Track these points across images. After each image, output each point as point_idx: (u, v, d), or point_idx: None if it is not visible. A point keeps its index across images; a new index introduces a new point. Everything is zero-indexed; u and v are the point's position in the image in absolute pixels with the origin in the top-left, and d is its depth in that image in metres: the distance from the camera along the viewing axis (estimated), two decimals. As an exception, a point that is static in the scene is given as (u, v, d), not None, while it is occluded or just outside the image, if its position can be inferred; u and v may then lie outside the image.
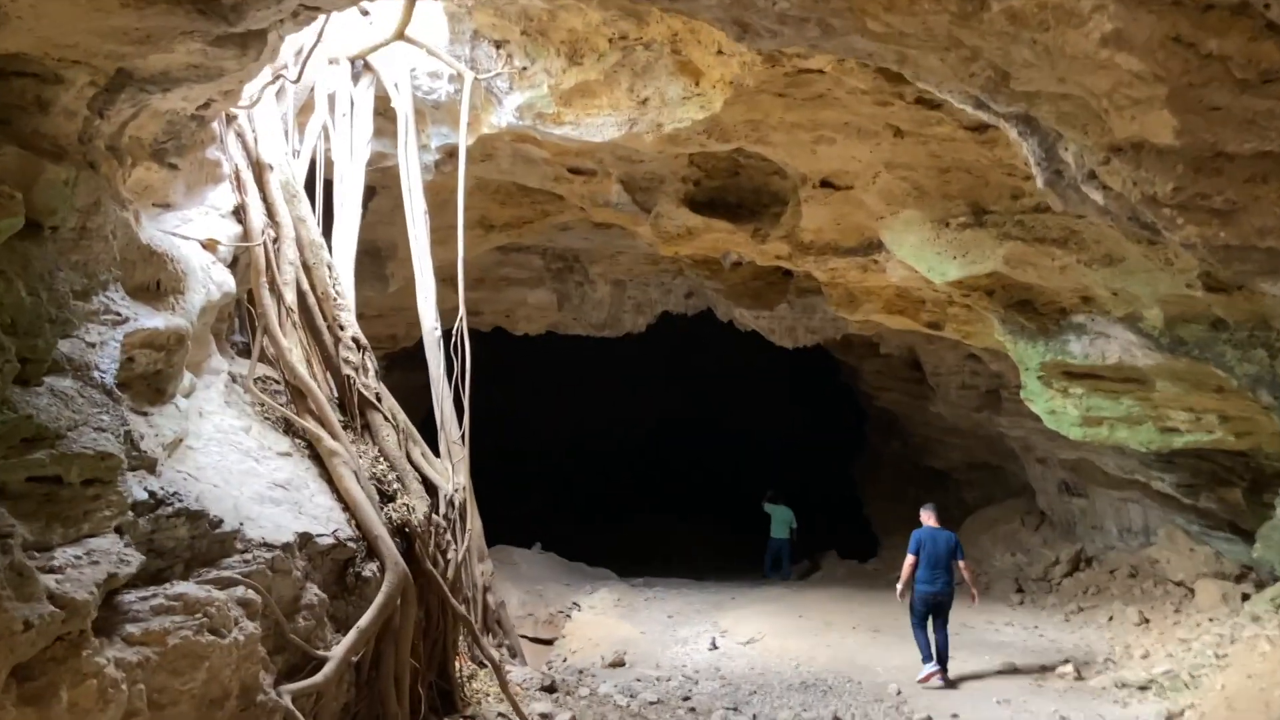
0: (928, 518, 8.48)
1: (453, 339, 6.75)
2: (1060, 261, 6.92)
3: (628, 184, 8.24)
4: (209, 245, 4.67)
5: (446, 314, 11.76)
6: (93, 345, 3.61)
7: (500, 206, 9.06)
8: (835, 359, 16.09)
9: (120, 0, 3.05)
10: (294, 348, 5.04)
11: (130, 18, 3.15)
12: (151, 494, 3.48)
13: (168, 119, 4.80)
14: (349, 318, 5.62)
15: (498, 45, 6.71)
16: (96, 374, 3.52)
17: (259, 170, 5.36)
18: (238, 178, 5.14)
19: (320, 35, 5.41)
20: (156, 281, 4.21)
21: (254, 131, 5.43)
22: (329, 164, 6.87)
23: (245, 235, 4.97)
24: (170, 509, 3.51)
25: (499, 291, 11.54)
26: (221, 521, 3.71)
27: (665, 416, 18.80)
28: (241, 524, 3.83)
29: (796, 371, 18.19)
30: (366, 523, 4.62)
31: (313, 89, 6.75)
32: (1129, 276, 6.39)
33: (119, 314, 3.84)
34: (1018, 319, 7.93)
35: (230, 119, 5.34)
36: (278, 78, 5.48)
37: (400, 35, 6.38)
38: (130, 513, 3.28)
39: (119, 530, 3.20)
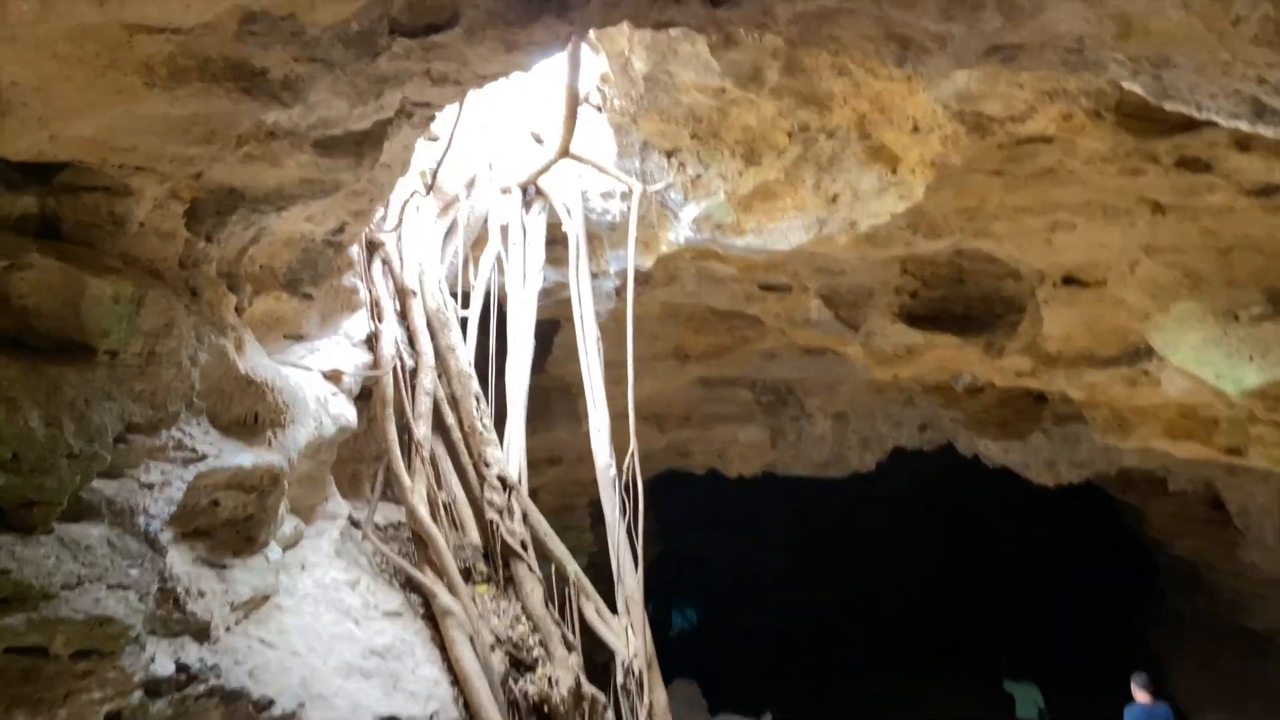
0: (1140, 693, 6.55)
1: (624, 478, 5.96)
2: None
3: (829, 299, 7.29)
4: (333, 376, 4.25)
5: (650, 456, 11.16)
6: (149, 486, 3.13)
7: (695, 334, 8.37)
8: (1111, 498, 13.78)
9: (144, 81, 2.63)
10: (419, 487, 4.45)
11: (161, 103, 2.74)
12: (183, 667, 2.86)
13: (302, 247, 4.51)
14: (496, 454, 4.99)
15: (668, 155, 6.14)
16: (141, 520, 3.00)
17: (402, 297, 4.97)
18: (376, 305, 4.76)
19: (450, 143, 5.05)
20: (254, 414, 3.76)
21: (400, 257, 5.09)
22: (504, 296, 6.50)
23: (375, 364, 4.52)
24: (203, 686, 2.87)
25: (707, 429, 10.74)
26: (272, 703, 3.04)
27: (906, 565, 16.87)
28: (302, 705, 3.13)
29: (1062, 514, 15.81)
30: (477, 702, 3.80)
31: (485, 219, 6.47)
32: None
33: (194, 451, 3.36)
34: (1354, 438, 6.08)
35: (376, 245, 5.03)
36: (413, 195, 5.15)
37: (564, 153, 5.97)
38: (138, 693, 2.66)
39: (114, 717, 2.58)
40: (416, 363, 4.79)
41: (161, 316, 3.28)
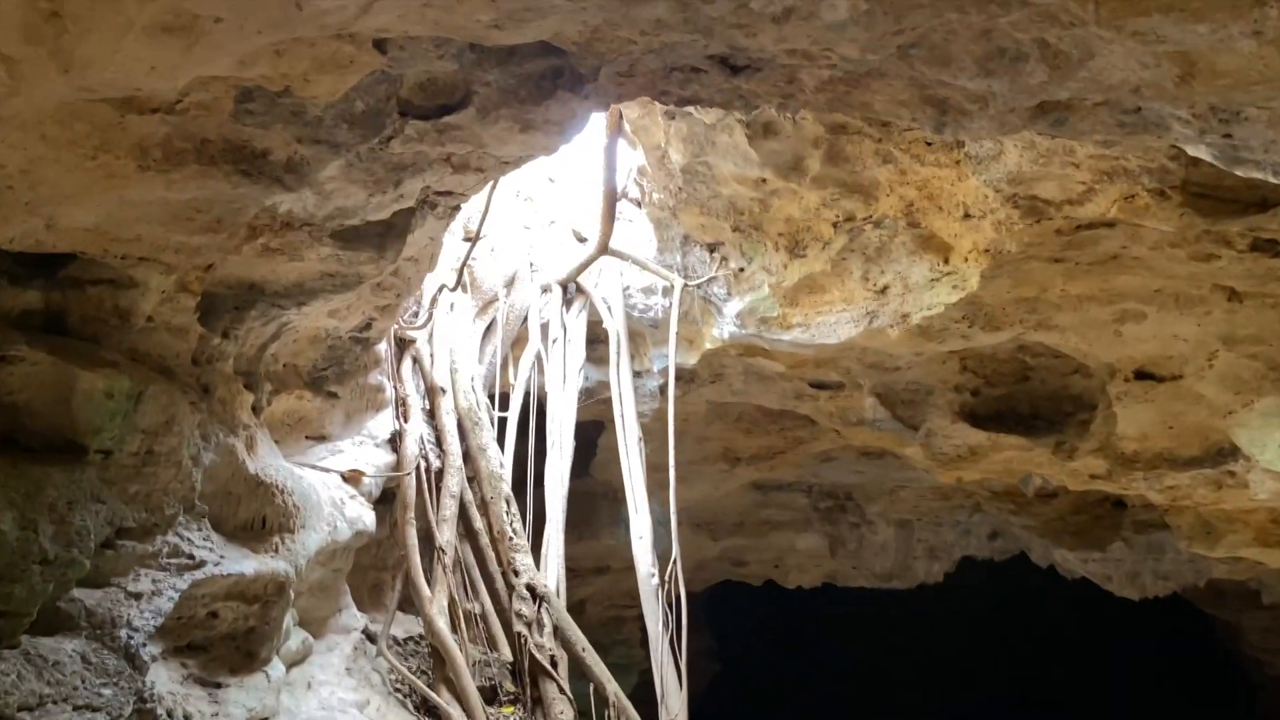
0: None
1: (667, 587, 5.59)
2: None
3: (885, 397, 6.95)
4: (351, 478, 4.04)
5: (703, 565, 10.68)
6: (136, 596, 2.91)
7: (745, 435, 8.05)
8: (1201, 612, 12.81)
9: (137, 164, 2.53)
10: (439, 597, 4.16)
11: (158, 187, 2.63)
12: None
13: (328, 344, 4.38)
14: (526, 561, 4.69)
15: (711, 249, 5.97)
16: (123, 633, 2.77)
17: (431, 395, 4.80)
18: (403, 403, 4.59)
19: (478, 235, 4.94)
20: (261, 518, 3.56)
21: (431, 355, 4.93)
22: (544, 396, 6.31)
23: (398, 465, 4.31)
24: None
25: (762, 537, 10.27)
26: (254, 842, 2.73)
27: (977, 684, 15.78)
28: None
29: (1147, 629, 14.73)
30: (490, 841, 3.43)
31: (525, 318, 6.34)
32: None
33: (190, 557, 3.15)
34: None
35: (407, 343, 4.89)
36: (442, 289, 5.02)
37: (604, 249, 5.85)
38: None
39: None
40: (443, 463, 4.57)
41: (161, 413, 3.11)
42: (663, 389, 6.97)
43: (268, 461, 3.68)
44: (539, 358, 6.25)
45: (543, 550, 5.70)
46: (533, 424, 6.11)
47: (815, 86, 2.61)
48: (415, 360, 4.81)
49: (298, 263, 3.56)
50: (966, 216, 4.86)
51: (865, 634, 14.82)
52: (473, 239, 4.94)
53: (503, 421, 6.09)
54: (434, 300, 4.99)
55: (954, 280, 5.24)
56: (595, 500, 8.21)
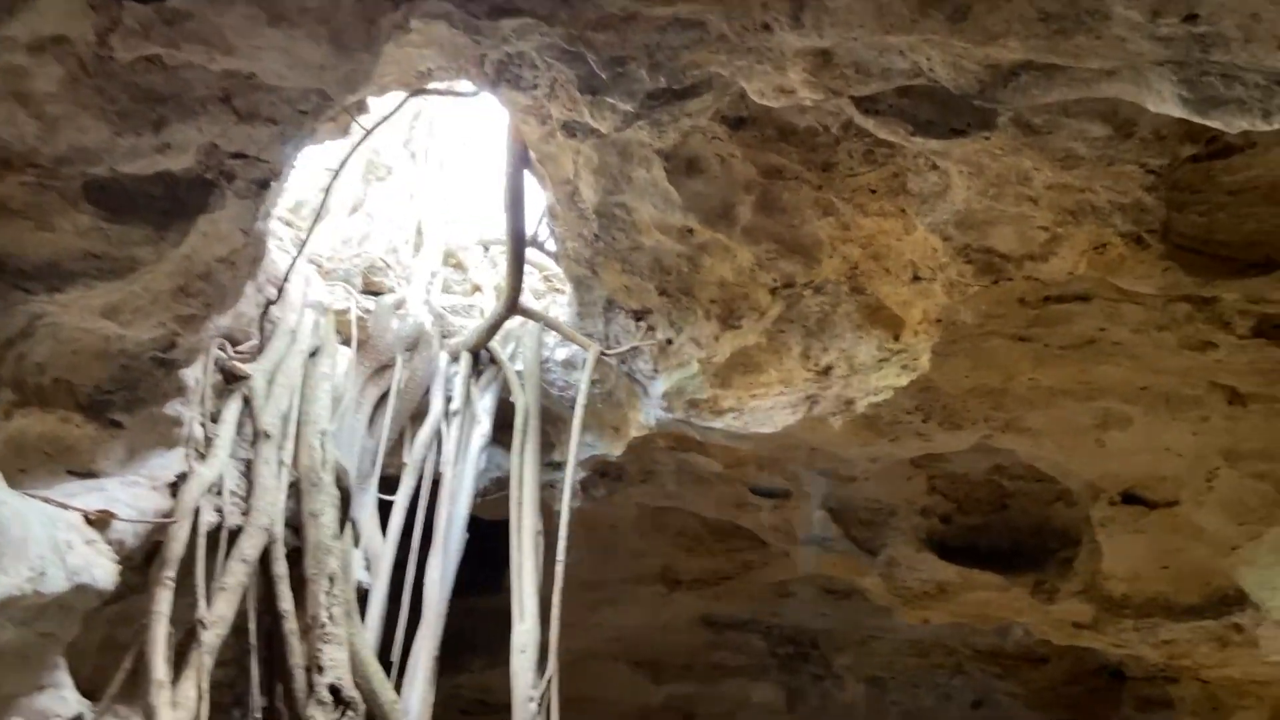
0: None
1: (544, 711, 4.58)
2: None
3: (838, 513, 6.06)
4: (97, 519, 3.17)
5: (646, 714, 9.44)
6: None
7: (687, 554, 7.08)
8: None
9: None
10: (183, 686, 3.18)
11: None
12: None
13: (120, 363, 3.60)
14: (336, 658, 3.75)
15: (637, 316, 5.25)
16: None
17: (256, 442, 4.00)
18: (207, 443, 3.77)
19: (312, 228, 4.23)
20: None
21: (267, 395, 4.16)
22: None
23: (171, 512, 3.44)
24: None
25: (713, 684, 9.08)
26: None
27: None
28: None
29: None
30: None
31: (428, 391, 5.59)
32: None
33: None
34: None
35: (237, 379, 4.12)
36: (268, 307, 4.28)
37: (513, 308, 5.16)
38: None
39: None
40: (244, 523, 3.71)
41: None
42: (587, 485, 6.13)
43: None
44: (439, 436, 5.47)
45: (407, 673, 4.77)
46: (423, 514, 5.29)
47: None
48: (246, 400, 4.04)
49: (49, 233, 2.88)
50: (915, 279, 4.16)
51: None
52: (305, 239, 4.23)
53: (387, 508, 5.27)
54: (262, 323, 4.24)
55: (903, 359, 4.49)
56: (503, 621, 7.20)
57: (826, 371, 4.76)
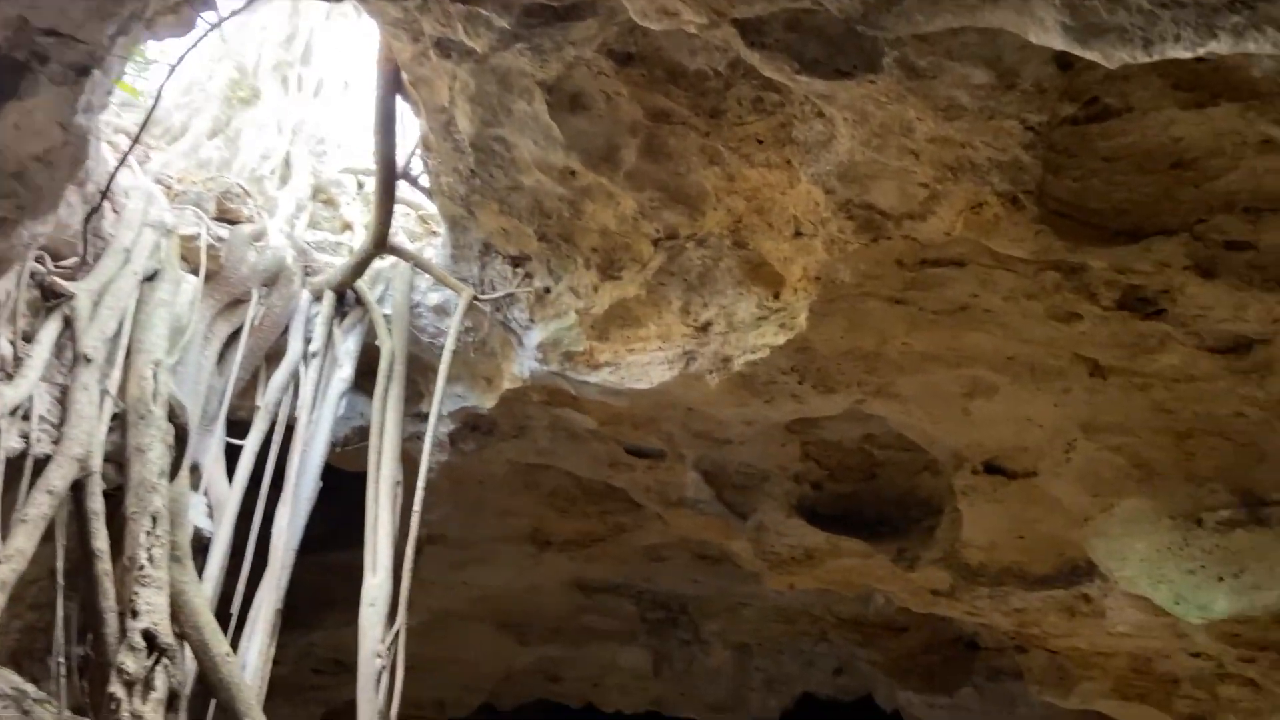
0: None
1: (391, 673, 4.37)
2: None
3: (712, 476, 6.00)
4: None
5: (511, 678, 9.30)
6: None
7: (559, 515, 6.93)
8: (1055, 782, 11.87)
9: None
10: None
11: None
12: None
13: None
14: (155, 602, 3.46)
15: (515, 262, 5.05)
16: None
17: (75, 367, 3.64)
18: (15, 362, 3.40)
19: (144, 126, 3.89)
20: None
21: (91, 316, 3.79)
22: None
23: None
24: None
25: (580, 648, 9.00)
26: None
27: None
28: None
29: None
30: None
31: (286, 330, 5.26)
32: None
33: None
34: (1352, 705, 4.72)
35: (59, 297, 3.74)
36: (91, 215, 3.91)
37: (380, 246, 4.87)
38: None
39: None
40: (54, 452, 3.37)
41: None
42: (456, 439, 5.91)
43: None
44: (296, 379, 5.15)
45: (246, 629, 4.50)
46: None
47: None
48: (67, 321, 3.67)
49: None
50: (798, 234, 4.08)
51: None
52: (134, 138, 3.88)
53: (235, 452, 4.94)
54: (86, 235, 3.86)
55: (782, 318, 4.42)
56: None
57: (705, 328, 4.67)
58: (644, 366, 4.88)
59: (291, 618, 6.00)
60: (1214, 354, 3.92)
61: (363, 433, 5.48)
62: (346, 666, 7.54)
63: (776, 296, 4.44)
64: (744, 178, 4.11)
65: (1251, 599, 4.33)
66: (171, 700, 3.40)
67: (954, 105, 2.96)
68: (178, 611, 3.87)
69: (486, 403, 5.59)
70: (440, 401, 4.74)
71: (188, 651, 3.89)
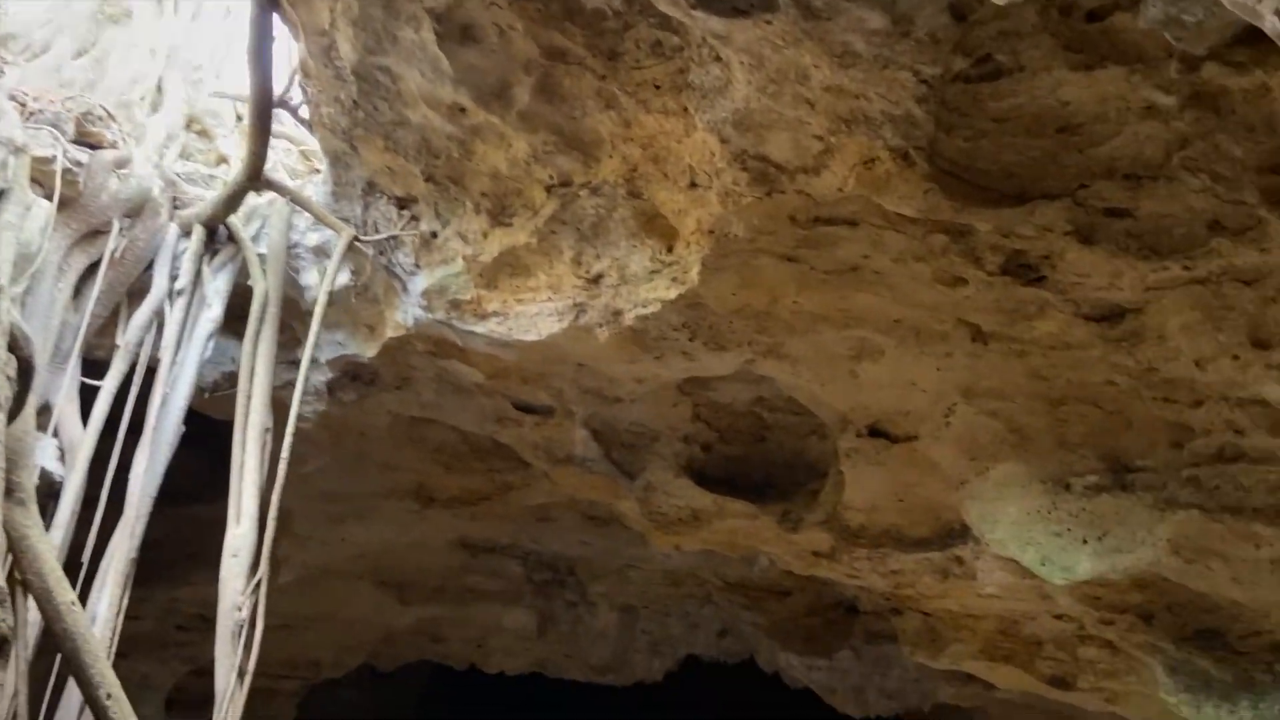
0: None
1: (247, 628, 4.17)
2: (1274, 550, 4.18)
3: (601, 434, 5.93)
4: None
5: (393, 638, 9.09)
6: None
7: (445, 471, 6.75)
8: (924, 741, 12.32)
9: None
10: None
11: None
12: None
13: None
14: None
15: (400, 204, 4.83)
16: None
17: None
18: None
19: None
20: None
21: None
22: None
23: None
24: None
25: (463, 608, 8.86)
26: None
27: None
28: None
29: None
30: None
31: (150, 266, 4.93)
32: None
33: None
34: (1197, 663, 4.96)
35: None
36: None
37: (255, 178, 4.59)
38: None
39: None
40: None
41: None
42: (334, 387, 5.67)
43: None
44: (160, 318, 4.84)
45: (98, 580, 4.24)
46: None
47: None
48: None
49: None
50: (693, 185, 4.00)
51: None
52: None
53: (91, 393, 4.62)
54: None
55: (674, 271, 4.34)
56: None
57: (597, 280, 4.55)
58: (533, 318, 4.75)
59: (156, 572, 5.70)
60: (1089, 321, 4.01)
61: (233, 378, 5.18)
62: (211, 623, 7.25)
63: (670, 250, 4.35)
64: (640, 124, 4.00)
65: (1113, 561, 4.50)
66: (1, 646, 3.15)
67: (849, 52, 2.91)
68: (19, 557, 3.61)
69: (368, 351, 5.37)
70: (315, 345, 4.51)
71: (32, 602, 3.66)
